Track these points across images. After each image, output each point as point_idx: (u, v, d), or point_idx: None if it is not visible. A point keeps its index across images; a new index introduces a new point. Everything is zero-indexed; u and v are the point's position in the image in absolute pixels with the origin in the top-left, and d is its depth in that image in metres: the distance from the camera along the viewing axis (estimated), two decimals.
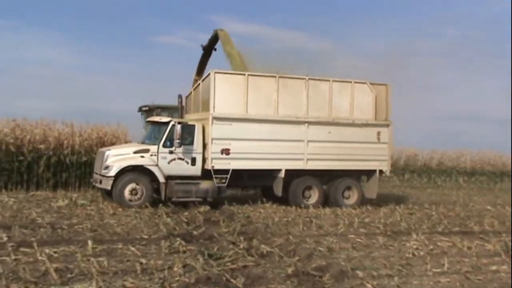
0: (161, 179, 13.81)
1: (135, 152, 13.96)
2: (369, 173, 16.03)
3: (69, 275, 6.59)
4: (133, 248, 8.27)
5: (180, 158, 14.05)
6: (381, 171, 15.97)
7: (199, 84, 15.34)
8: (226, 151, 14.03)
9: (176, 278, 6.65)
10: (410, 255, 8.83)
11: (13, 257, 7.35)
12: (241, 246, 8.77)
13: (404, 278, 7.29)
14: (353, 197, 15.78)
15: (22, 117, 18.02)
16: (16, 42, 43.64)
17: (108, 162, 13.70)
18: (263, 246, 8.81)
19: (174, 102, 16.40)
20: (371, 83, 15.74)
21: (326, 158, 15.12)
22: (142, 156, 13.85)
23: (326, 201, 15.46)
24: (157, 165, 13.83)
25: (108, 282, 6.35)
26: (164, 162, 13.89)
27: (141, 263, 7.31)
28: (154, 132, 14.83)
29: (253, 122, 14.35)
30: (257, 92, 14.45)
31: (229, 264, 7.62)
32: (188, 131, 14.19)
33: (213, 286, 6.44)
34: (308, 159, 14.93)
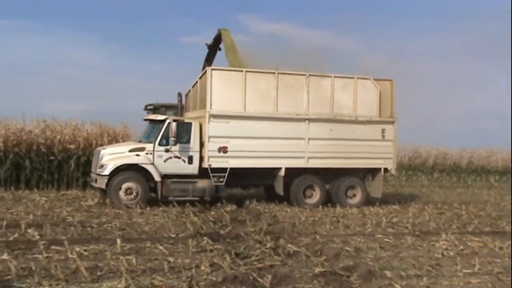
0: (157, 178, 13.66)
1: (130, 151, 13.85)
2: (374, 171, 15.67)
3: (98, 273, 6.69)
4: (161, 247, 8.35)
5: (176, 157, 13.87)
6: (386, 170, 15.59)
7: (197, 81, 15.18)
8: (223, 149, 13.83)
9: (204, 277, 6.69)
10: (440, 256, 8.67)
11: (45, 255, 7.51)
12: (268, 246, 8.75)
13: (433, 278, 7.17)
14: (357, 196, 15.43)
15: (52, 118, 18.47)
16: (47, 44, 44.55)
17: (103, 161, 13.63)
18: (289, 245, 8.78)
19: None
20: (375, 79, 15.35)
21: (328, 156, 14.80)
22: (138, 155, 13.72)
23: (329, 200, 15.13)
24: (152, 163, 13.69)
25: (137, 280, 6.42)
26: (160, 160, 13.74)
27: (168, 262, 7.37)
28: (151, 131, 14.64)
29: (252, 119, 14.13)
30: (255, 89, 14.22)
31: (256, 263, 7.62)
32: (184, 129, 14.01)
33: (240, 285, 6.44)
34: (309, 157, 14.64)
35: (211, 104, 13.78)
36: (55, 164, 17.27)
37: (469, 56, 48.39)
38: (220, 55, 17.93)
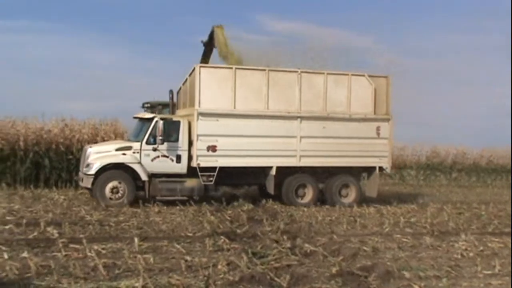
0: (144, 177, 13.46)
1: (117, 150, 13.68)
2: (369, 170, 15.35)
3: (116, 271, 6.74)
4: (178, 246, 8.38)
5: (164, 156, 13.65)
6: (381, 168, 15.25)
7: (186, 79, 14.89)
8: (212, 148, 13.61)
9: (221, 276, 6.69)
10: (459, 256, 8.56)
11: (64, 253, 7.59)
12: (285, 245, 8.73)
13: (453, 279, 7.08)
14: (350, 195, 15.10)
15: (71, 117, 18.67)
16: (65, 44, 45.04)
17: (89, 160, 13.46)
18: (306, 245, 8.75)
19: None
20: (370, 76, 15.01)
21: (320, 155, 14.54)
22: (124, 154, 13.53)
23: (323, 199, 14.92)
24: (139, 162, 13.50)
25: (154, 278, 6.45)
26: (148, 159, 13.54)
27: (186, 261, 7.39)
28: (140, 129, 14.42)
29: (241, 117, 13.87)
30: (245, 86, 13.95)
31: (273, 262, 7.60)
32: (173, 128, 13.79)
33: (257, 285, 6.44)
34: (301, 156, 14.36)
35: (199, 102, 13.54)
36: (74, 163, 17.42)
37: (488, 53, 47.67)
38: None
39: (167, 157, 13.70)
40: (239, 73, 13.93)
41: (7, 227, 9.62)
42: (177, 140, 13.78)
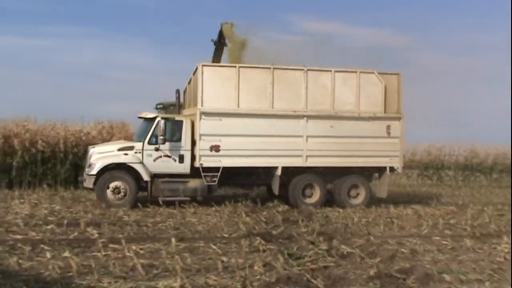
0: (146, 177, 13.39)
1: (119, 150, 13.61)
2: (380, 170, 14.88)
3: (154, 271, 6.82)
4: (214, 246, 8.43)
5: (167, 156, 13.52)
6: (392, 169, 14.79)
7: (191, 78, 14.75)
8: (215, 148, 13.41)
9: (257, 277, 6.70)
10: (502, 259, 8.30)
11: (103, 253, 7.75)
12: (321, 246, 8.68)
13: (496, 283, 6.88)
14: (360, 196, 14.64)
15: (108, 120, 19.07)
16: (100, 47, 46.05)
17: (92, 160, 13.46)
18: (343, 246, 8.67)
19: None
20: (380, 73, 14.56)
21: (328, 155, 14.17)
22: (126, 154, 13.45)
23: (332, 200, 14.60)
24: (141, 162, 13.43)
25: (192, 279, 6.50)
26: (150, 159, 13.44)
27: (222, 261, 7.42)
28: (143, 129, 14.31)
29: (245, 117, 13.63)
30: (249, 85, 13.71)
31: (309, 264, 7.56)
32: (175, 128, 13.67)
33: (293, 286, 6.41)
34: (307, 156, 14.02)
35: (202, 101, 13.39)
36: None
37: None
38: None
39: (170, 157, 13.58)
40: (243, 72, 13.73)
41: (49, 227, 9.88)
42: (179, 140, 13.65)
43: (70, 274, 6.59)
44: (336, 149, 14.19)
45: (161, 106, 17.81)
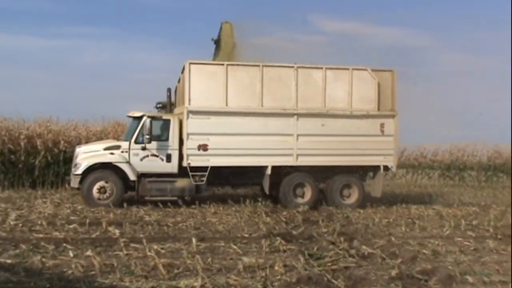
0: (132, 177, 13.26)
1: (105, 149, 13.51)
2: (374, 169, 14.54)
3: (175, 271, 6.86)
4: (234, 246, 8.45)
5: (154, 155, 13.37)
6: (386, 167, 14.44)
7: (180, 77, 14.59)
8: (203, 147, 13.23)
9: (278, 277, 6.69)
10: None
11: (125, 252, 7.82)
12: (341, 247, 8.65)
13: None
14: (353, 196, 14.32)
15: (127, 120, 19.20)
16: (124, 49, 46.61)
17: (78, 160, 13.40)
18: (364, 247, 8.62)
19: None
20: (373, 70, 14.22)
21: (319, 154, 13.86)
22: (112, 153, 13.35)
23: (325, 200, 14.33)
24: (128, 162, 13.30)
25: (212, 278, 6.53)
26: (137, 159, 13.30)
27: (243, 261, 7.43)
28: (131, 128, 14.20)
29: (234, 115, 13.44)
30: (238, 83, 13.51)
31: (329, 264, 7.53)
32: (163, 126, 13.55)
33: (314, 286, 6.40)
34: (298, 155, 13.76)
35: (189, 100, 13.21)
36: None
37: None
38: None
39: (157, 156, 13.43)
40: (231, 70, 13.55)
41: (71, 226, 10.02)
42: (167, 139, 13.50)
43: (93, 273, 6.68)
44: (328, 147, 13.93)
45: (160, 105, 17.82)
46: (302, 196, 14.12)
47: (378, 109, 14.30)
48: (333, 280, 6.63)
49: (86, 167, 13.20)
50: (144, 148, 13.33)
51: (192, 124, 13.27)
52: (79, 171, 13.22)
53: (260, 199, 13.96)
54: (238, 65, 13.98)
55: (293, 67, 13.87)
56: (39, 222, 10.33)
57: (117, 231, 9.43)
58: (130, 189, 13.68)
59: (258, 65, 13.73)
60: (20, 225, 10.07)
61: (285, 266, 7.24)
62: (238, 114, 13.52)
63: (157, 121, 13.61)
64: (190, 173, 13.31)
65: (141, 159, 13.36)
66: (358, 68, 14.25)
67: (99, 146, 14.03)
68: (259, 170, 13.91)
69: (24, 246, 8.01)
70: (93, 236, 9.25)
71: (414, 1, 49.26)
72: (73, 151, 17.58)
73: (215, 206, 13.30)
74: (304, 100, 13.89)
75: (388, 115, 14.37)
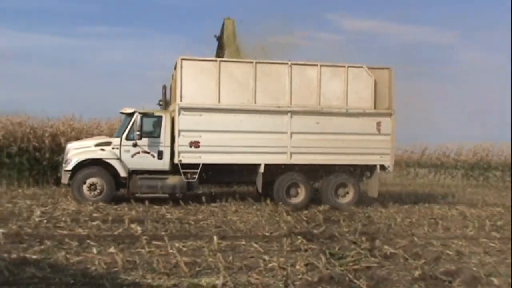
0: (122, 174, 13.20)
1: (96, 145, 13.43)
2: (370, 168, 14.29)
3: (197, 269, 6.90)
4: (255, 245, 8.45)
5: (145, 152, 13.29)
6: (382, 166, 14.19)
7: (173, 73, 14.44)
8: (195, 144, 13.13)
9: (299, 276, 6.68)
10: None
11: (147, 249, 7.89)
12: (363, 246, 8.58)
13: None
14: (348, 195, 14.16)
15: None
16: (143, 47, 47.02)
17: (68, 156, 13.37)
18: (386, 247, 8.55)
19: None
20: (369, 67, 14.02)
21: (314, 152, 13.70)
22: (103, 149, 13.28)
23: (318, 199, 14.14)
24: (119, 158, 13.24)
25: (234, 277, 6.55)
26: (127, 155, 13.24)
27: (264, 260, 7.44)
28: (123, 125, 14.17)
29: (226, 112, 13.32)
30: (231, 79, 13.39)
31: (351, 264, 7.49)
32: (155, 123, 13.49)
33: (336, 286, 6.37)
34: (292, 153, 13.61)
35: (181, 96, 13.16)
36: None
37: None
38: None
39: (148, 153, 13.37)
40: (224, 66, 13.46)
41: (94, 223, 10.15)
42: (159, 135, 13.43)
43: (116, 269, 6.75)
44: (323, 146, 13.78)
45: (162, 102, 17.85)
46: (296, 196, 14.01)
47: (375, 107, 14.13)
48: (355, 280, 6.59)
49: (76, 163, 13.17)
50: (135, 145, 13.30)
51: (183, 121, 13.20)
52: (69, 167, 13.18)
53: None
54: (231, 61, 13.96)
55: (287, 64, 13.76)
56: (63, 219, 10.49)
57: (139, 229, 9.54)
58: (122, 186, 13.70)
59: (252, 62, 13.67)
60: (45, 221, 10.25)
61: (306, 265, 7.22)
62: (230, 111, 13.41)
63: (149, 117, 13.56)
64: (182, 170, 13.27)
65: (132, 156, 13.33)
66: (354, 66, 14.08)
67: (90, 142, 13.96)
68: (252, 168, 13.80)
69: (48, 242, 8.14)
70: (116, 233, 9.34)
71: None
72: None
73: (236, 204, 13.33)
74: (298, 97, 13.76)
75: (385, 114, 14.17)
